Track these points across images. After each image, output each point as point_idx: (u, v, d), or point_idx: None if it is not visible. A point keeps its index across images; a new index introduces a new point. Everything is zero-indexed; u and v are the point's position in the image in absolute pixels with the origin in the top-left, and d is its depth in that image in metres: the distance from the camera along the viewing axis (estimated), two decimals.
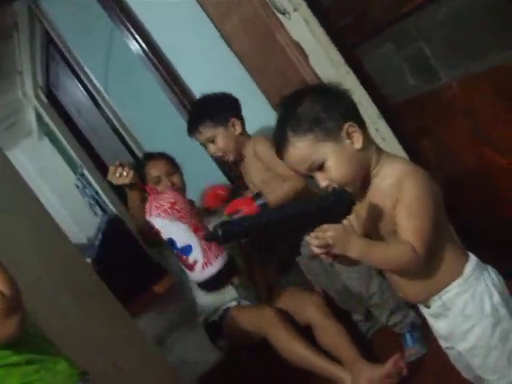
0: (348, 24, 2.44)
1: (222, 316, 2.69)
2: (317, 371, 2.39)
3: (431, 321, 1.53)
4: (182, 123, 3.37)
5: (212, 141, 2.45)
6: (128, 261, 5.59)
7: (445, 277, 1.41)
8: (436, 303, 1.45)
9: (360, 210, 1.43)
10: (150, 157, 2.83)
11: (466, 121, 2.21)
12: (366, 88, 2.50)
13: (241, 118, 2.50)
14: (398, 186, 1.34)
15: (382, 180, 1.39)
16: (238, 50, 2.84)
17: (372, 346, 2.63)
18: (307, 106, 1.36)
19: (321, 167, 1.36)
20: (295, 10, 2.50)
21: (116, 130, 4.93)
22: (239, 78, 2.85)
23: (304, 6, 2.50)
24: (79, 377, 1.61)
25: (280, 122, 1.41)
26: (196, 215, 2.22)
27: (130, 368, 2.36)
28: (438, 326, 1.51)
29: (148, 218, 2.16)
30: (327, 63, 2.47)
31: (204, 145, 2.52)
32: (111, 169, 2.48)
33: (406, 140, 2.53)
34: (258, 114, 2.75)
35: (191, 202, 2.81)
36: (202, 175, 3.33)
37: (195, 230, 2.14)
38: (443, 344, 1.56)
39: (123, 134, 4.86)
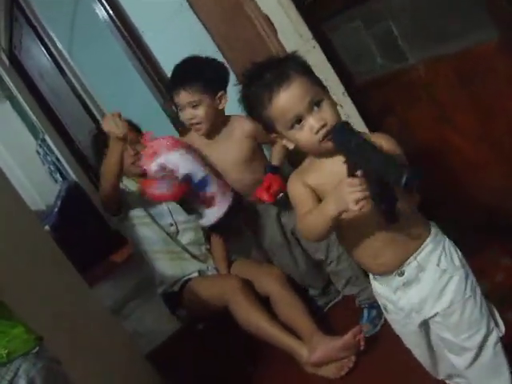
0: None
1: (183, 286, 2.69)
2: (274, 343, 2.41)
3: (400, 295, 1.53)
4: (146, 91, 3.35)
5: (193, 106, 2.33)
6: (87, 229, 5.54)
7: (419, 236, 1.48)
8: (411, 266, 1.48)
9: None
10: None
11: (429, 102, 2.24)
12: (332, 64, 2.50)
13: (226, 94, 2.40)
14: None
15: None
16: (205, 20, 2.81)
17: (329, 320, 2.65)
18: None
19: (318, 104, 1.37)
20: None
21: (79, 96, 4.86)
22: (206, 47, 2.82)
23: None
24: (35, 342, 1.59)
25: (276, 63, 1.43)
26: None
27: (85, 336, 2.35)
28: (410, 297, 1.51)
29: (163, 155, 2.31)
30: (295, 37, 2.46)
31: (180, 107, 2.39)
32: (108, 116, 2.31)
33: (370, 118, 2.54)
34: None
35: None
36: None
37: (204, 165, 2.37)
38: (414, 318, 1.55)
39: (86, 100, 4.80)
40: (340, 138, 1.34)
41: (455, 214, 2.42)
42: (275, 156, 2.47)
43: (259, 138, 2.43)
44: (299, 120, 1.37)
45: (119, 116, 2.27)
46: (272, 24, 2.53)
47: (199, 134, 2.45)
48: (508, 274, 2.17)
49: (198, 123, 2.37)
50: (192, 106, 2.33)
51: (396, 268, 1.50)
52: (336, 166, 1.37)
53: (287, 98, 1.37)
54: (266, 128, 1.47)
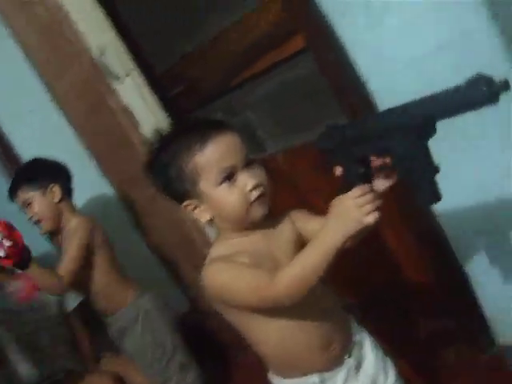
0: (180, 92, 2.50)
1: None
2: None
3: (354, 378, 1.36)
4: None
5: (28, 204, 2.32)
6: None
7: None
8: (355, 343, 1.37)
9: None
10: None
11: (290, 190, 2.32)
12: None
13: (64, 187, 2.38)
14: None
15: None
16: (68, 112, 2.80)
17: None
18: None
19: (251, 164, 1.23)
20: (127, 75, 2.52)
21: None
22: (69, 140, 2.80)
23: (136, 72, 2.53)
24: None
25: (207, 120, 1.34)
26: None
27: None
28: (366, 369, 1.38)
29: None
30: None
31: (23, 209, 2.37)
32: None
33: None
34: (87, 177, 2.71)
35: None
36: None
37: None
38: None
39: None
40: (326, 142, 1.16)
41: None
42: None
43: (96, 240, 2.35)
44: (231, 175, 1.20)
45: None
46: (134, 117, 2.57)
47: (41, 233, 2.40)
48: None
49: (38, 221, 2.34)
50: (26, 205, 2.33)
51: (345, 352, 1.34)
52: (269, 235, 1.27)
53: (225, 144, 1.21)
54: (177, 192, 1.26)
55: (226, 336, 2.49)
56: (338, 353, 1.32)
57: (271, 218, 1.29)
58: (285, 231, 1.33)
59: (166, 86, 2.55)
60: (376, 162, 1.10)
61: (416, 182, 0.99)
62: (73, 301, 2.51)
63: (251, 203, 1.21)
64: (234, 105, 2.34)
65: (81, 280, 2.29)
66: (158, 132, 1.30)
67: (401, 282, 2.22)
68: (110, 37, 2.52)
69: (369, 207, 1.03)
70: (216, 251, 1.28)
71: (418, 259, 2.09)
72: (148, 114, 2.52)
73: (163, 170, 1.25)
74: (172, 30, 2.38)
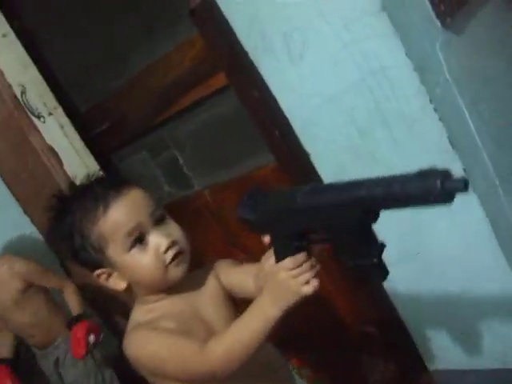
0: (105, 130, 2.47)
1: None
2: None
3: None
4: None
5: None
6: None
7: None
8: None
9: None
10: None
11: (218, 226, 2.31)
12: None
13: None
14: None
15: None
16: None
17: None
18: None
19: (162, 219, 1.12)
20: (50, 114, 2.49)
21: None
22: None
23: (60, 110, 2.51)
24: None
25: (102, 180, 1.19)
26: None
27: None
28: None
29: None
30: (82, 168, 2.46)
31: None
32: None
33: None
34: (11, 219, 2.63)
35: None
36: None
37: None
38: None
39: None
40: (247, 212, 1.01)
41: None
42: (72, 304, 2.35)
43: (35, 278, 2.31)
44: (141, 237, 1.09)
45: None
46: (57, 155, 2.53)
47: None
48: None
49: None
50: None
51: None
52: (190, 295, 1.18)
53: (128, 203, 1.09)
54: (86, 262, 1.14)
55: None
56: None
57: (193, 273, 1.20)
58: (209, 287, 1.22)
59: (91, 125, 2.52)
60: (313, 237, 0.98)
61: (360, 265, 0.89)
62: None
63: (167, 265, 1.09)
64: (160, 142, 2.33)
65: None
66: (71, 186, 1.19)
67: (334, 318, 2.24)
68: (32, 74, 2.49)
69: (305, 277, 0.95)
70: (137, 317, 1.17)
71: (351, 298, 2.11)
72: (72, 153, 2.48)
73: (66, 239, 1.13)
74: (96, 68, 2.36)
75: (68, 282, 2.37)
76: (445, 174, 0.73)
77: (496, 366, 1.73)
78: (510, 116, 1.55)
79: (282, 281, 0.96)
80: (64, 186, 2.45)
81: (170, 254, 1.09)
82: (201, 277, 1.23)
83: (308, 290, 0.95)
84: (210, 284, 1.23)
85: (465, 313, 1.70)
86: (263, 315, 0.99)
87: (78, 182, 1.19)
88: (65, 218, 1.12)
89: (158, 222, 1.11)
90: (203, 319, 1.17)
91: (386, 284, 1.81)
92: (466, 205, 1.47)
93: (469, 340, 1.76)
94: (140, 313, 1.17)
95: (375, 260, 0.87)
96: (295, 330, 2.31)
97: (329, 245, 0.93)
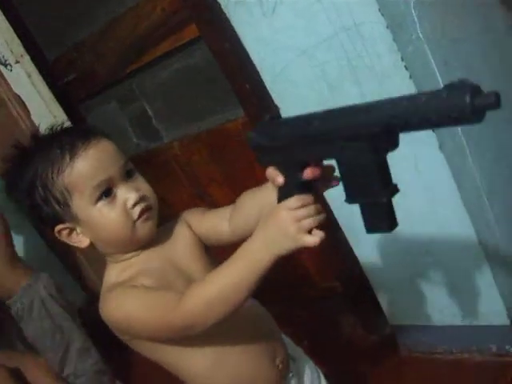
0: (73, 80, 2.43)
1: None
2: None
3: None
4: None
5: None
6: None
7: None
8: (289, 356, 1.22)
9: None
10: None
11: (187, 179, 2.31)
12: None
13: None
14: None
15: None
16: None
17: None
18: None
19: (131, 174, 1.06)
20: (17, 62, 2.43)
21: None
22: None
23: (27, 58, 2.44)
24: None
25: (71, 129, 1.12)
26: None
27: None
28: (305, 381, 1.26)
29: None
30: (49, 118, 2.42)
31: None
32: None
33: None
34: None
35: None
36: None
37: None
38: None
39: None
40: (260, 138, 0.93)
41: None
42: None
43: None
44: (109, 190, 1.03)
45: None
46: (24, 104, 2.48)
47: None
48: None
49: None
50: None
51: (287, 367, 1.19)
52: (163, 248, 1.13)
53: (98, 154, 1.03)
54: (46, 217, 1.07)
55: None
56: (283, 368, 1.16)
57: (164, 227, 1.16)
58: (182, 238, 1.17)
59: (59, 74, 2.48)
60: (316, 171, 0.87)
61: (366, 203, 0.81)
62: None
63: (135, 221, 1.04)
64: (129, 93, 2.30)
65: None
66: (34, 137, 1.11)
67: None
68: None
69: (309, 221, 0.84)
70: (111, 277, 1.10)
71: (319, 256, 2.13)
72: (40, 102, 2.44)
73: (26, 192, 1.06)
74: (64, 16, 2.31)
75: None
76: (474, 89, 0.65)
77: (456, 322, 1.79)
78: (481, 76, 1.56)
79: (282, 221, 0.84)
80: (30, 134, 2.42)
81: (138, 209, 1.04)
82: (172, 229, 1.17)
83: (310, 240, 0.83)
84: (183, 235, 1.17)
85: (426, 269, 1.74)
86: (250, 258, 0.88)
87: (42, 132, 1.13)
88: (26, 170, 1.05)
89: (127, 176, 1.06)
90: (181, 271, 1.11)
91: (351, 240, 1.83)
92: (432, 164, 1.50)
93: (430, 296, 1.80)
94: (114, 272, 1.11)
95: (385, 199, 0.78)
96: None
97: (337, 183, 0.88)
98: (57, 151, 1.02)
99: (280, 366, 1.15)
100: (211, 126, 2.11)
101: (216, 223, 1.16)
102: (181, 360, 1.10)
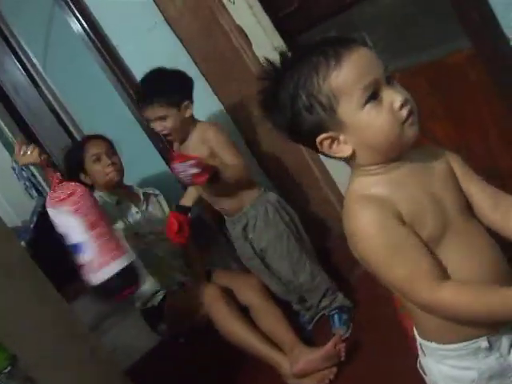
0: (293, 11, 2.45)
1: (162, 300, 2.66)
2: (255, 354, 2.40)
3: None
4: (121, 105, 3.33)
5: (161, 119, 2.39)
6: (63, 244, 5.46)
7: None
8: None
9: None
10: (90, 136, 2.84)
11: None
12: None
13: (192, 101, 2.44)
14: None
15: None
16: (181, 34, 2.81)
17: (309, 333, 2.63)
18: None
19: (389, 80, 1.04)
20: None
21: (54, 111, 4.81)
22: (182, 61, 2.82)
23: None
24: (8, 360, 1.56)
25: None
26: (97, 212, 2.14)
27: (62, 352, 2.31)
28: None
29: (49, 208, 2.14)
30: (270, 49, 2.47)
31: (150, 120, 2.44)
32: (16, 148, 2.42)
33: None
34: (199, 98, 2.73)
35: (128, 187, 2.79)
36: (140, 159, 3.27)
37: (91, 227, 2.05)
38: None
39: (61, 115, 4.75)
40: None
41: None
42: (188, 196, 2.59)
43: (216, 152, 2.43)
44: (375, 94, 1.01)
45: (24, 143, 2.39)
46: (246, 36, 2.55)
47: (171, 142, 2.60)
48: None
49: (168, 134, 2.45)
50: (160, 119, 2.40)
51: None
52: (420, 170, 1.09)
53: (361, 58, 1.02)
54: (307, 128, 1.06)
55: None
56: None
57: (421, 148, 1.11)
58: (440, 167, 1.12)
59: (279, 6, 2.50)
60: None
61: None
62: None
63: (403, 122, 1.01)
64: (349, 24, 2.27)
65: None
66: (277, 58, 1.08)
67: None
68: None
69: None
70: (358, 188, 1.09)
71: None
72: (261, 34, 2.50)
73: (288, 102, 1.05)
74: None
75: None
76: None
77: None
78: None
79: None
80: (253, 67, 2.49)
81: (405, 110, 1.01)
82: (430, 155, 1.13)
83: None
84: (442, 166, 1.12)
85: None
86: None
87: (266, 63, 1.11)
88: (288, 79, 1.04)
89: (387, 82, 1.03)
90: (435, 198, 1.08)
91: None
92: None
93: None
94: (361, 185, 1.08)
95: None
96: None
97: None
98: (320, 58, 1.02)
99: None
100: (433, 58, 2.02)
101: (481, 198, 1.13)
102: None
